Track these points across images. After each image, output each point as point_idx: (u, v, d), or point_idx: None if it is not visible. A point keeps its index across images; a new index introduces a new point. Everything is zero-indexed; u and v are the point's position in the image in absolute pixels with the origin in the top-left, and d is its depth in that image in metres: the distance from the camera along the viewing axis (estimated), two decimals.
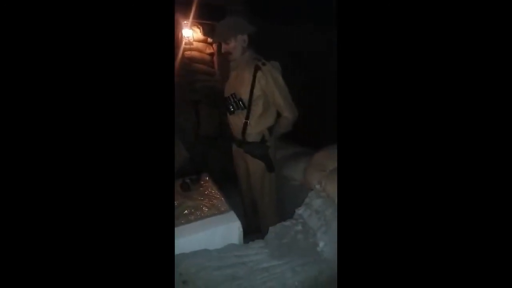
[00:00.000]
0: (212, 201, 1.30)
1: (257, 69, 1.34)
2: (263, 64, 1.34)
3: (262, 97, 1.39)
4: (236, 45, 1.35)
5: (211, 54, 2.72)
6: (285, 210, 1.78)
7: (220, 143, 2.81)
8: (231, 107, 1.43)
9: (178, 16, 2.41)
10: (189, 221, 1.15)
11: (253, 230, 1.40)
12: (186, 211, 1.21)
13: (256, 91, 1.37)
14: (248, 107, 1.40)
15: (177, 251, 1.01)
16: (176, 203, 1.26)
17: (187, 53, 2.58)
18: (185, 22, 2.42)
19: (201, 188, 1.43)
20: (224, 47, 1.37)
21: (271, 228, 1.16)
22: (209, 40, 2.68)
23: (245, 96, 1.39)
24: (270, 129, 1.48)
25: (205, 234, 1.11)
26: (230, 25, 1.34)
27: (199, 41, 2.62)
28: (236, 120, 1.47)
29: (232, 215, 1.20)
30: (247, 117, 1.42)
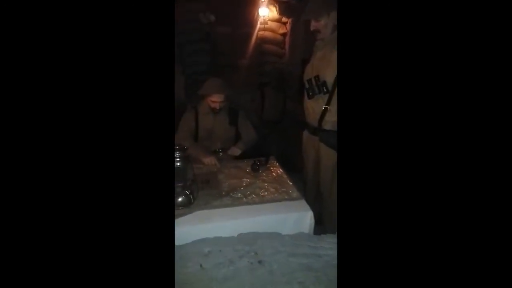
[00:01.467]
0: (282, 185, 1.27)
1: None
2: None
3: None
4: (328, 22, 1.24)
5: (284, 35, 2.63)
6: None
7: (280, 128, 2.76)
8: (311, 91, 1.35)
9: None
10: (262, 201, 1.14)
11: (315, 222, 1.34)
12: (257, 190, 1.20)
13: None
14: (331, 92, 1.29)
15: (250, 229, 1.01)
16: (248, 181, 1.27)
17: (261, 33, 2.53)
18: (262, 0, 2.36)
19: (267, 171, 1.41)
20: (313, 25, 1.27)
21: None
22: (283, 19, 2.58)
23: (329, 79, 1.28)
24: None
25: (278, 217, 1.09)
26: (324, 1, 1.23)
27: (273, 20, 2.55)
28: (313, 105, 1.38)
29: (303, 203, 1.16)
30: (328, 103, 1.32)
